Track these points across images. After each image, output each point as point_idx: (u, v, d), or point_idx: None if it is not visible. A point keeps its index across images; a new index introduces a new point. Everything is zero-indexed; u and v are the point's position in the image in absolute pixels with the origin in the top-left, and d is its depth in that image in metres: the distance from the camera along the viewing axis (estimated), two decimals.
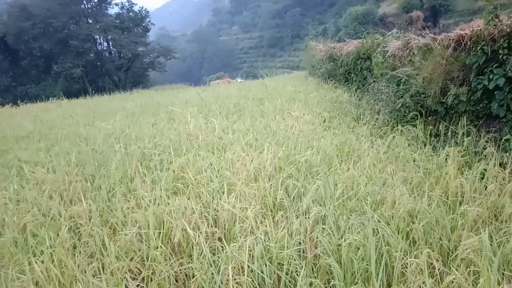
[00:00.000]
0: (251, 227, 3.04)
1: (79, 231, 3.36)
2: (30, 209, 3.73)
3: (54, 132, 8.12)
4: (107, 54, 41.55)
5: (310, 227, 2.95)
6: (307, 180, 3.97)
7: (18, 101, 20.82)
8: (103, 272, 2.73)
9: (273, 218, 3.26)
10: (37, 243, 3.13)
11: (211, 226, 3.22)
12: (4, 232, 3.38)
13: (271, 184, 3.80)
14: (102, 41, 40.99)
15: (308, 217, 3.04)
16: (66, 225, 3.27)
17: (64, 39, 35.57)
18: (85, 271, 2.70)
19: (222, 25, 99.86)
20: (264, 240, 2.85)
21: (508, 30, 4.52)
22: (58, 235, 3.15)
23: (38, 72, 37.00)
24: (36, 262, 2.74)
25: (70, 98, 21.24)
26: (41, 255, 2.90)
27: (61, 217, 3.50)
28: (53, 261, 2.82)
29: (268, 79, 18.74)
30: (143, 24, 42.53)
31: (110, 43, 40.84)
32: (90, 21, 39.46)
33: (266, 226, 3.03)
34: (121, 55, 40.05)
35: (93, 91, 26.32)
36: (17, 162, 5.70)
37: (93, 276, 2.69)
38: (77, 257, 2.90)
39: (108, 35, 38.61)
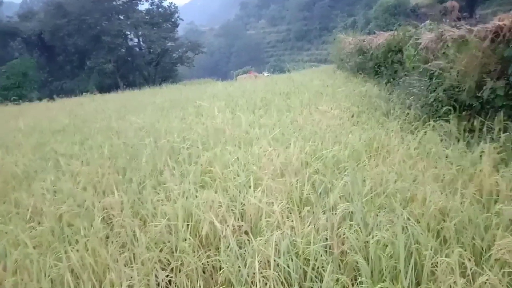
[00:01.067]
0: (278, 222, 3.05)
1: (111, 222, 3.49)
2: (66, 200, 3.91)
3: (87, 126, 8.44)
4: (138, 50, 42.54)
5: (337, 223, 2.93)
6: (334, 176, 3.93)
7: (54, 96, 21.76)
8: (134, 262, 2.83)
9: (299, 213, 3.25)
10: (72, 233, 3.27)
11: (238, 220, 3.26)
12: (42, 221, 3.56)
13: (298, 179, 3.79)
14: (133, 36, 41.98)
15: (335, 213, 3.01)
16: (99, 216, 3.41)
17: (96, 35, 36.73)
18: (117, 261, 2.80)
19: (249, 19, 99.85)
20: (291, 235, 2.85)
21: None
22: (92, 225, 3.28)
23: (73, 68, 38.45)
24: (71, 251, 2.88)
25: (102, 92, 21.98)
26: (76, 244, 3.03)
27: (94, 208, 3.64)
28: (87, 250, 2.95)
29: (295, 73, 18.61)
30: (172, 20, 43.20)
31: (141, 39, 41.78)
32: (122, 17, 40.52)
33: (292, 221, 3.04)
34: (151, 50, 40.89)
35: (124, 86, 27.10)
36: (54, 154, 5.97)
37: (125, 266, 2.79)
38: (110, 247, 3.01)
39: (138, 30, 39.55)
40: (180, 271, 2.74)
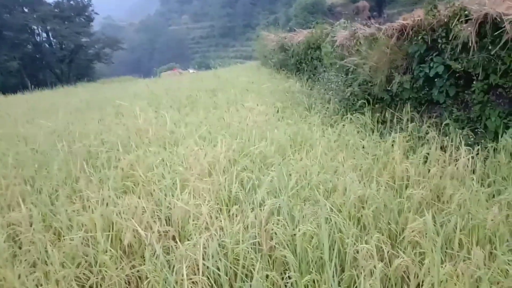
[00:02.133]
0: (206, 223, 2.98)
1: (19, 239, 3.11)
2: None
3: None
4: (47, 46, 38.84)
5: (265, 219, 2.94)
6: (262, 172, 3.96)
7: None
8: (47, 281, 2.55)
9: (228, 213, 3.22)
10: None
11: (164, 225, 3.12)
12: None
13: (226, 178, 3.75)
14: (40, 31, 38.20)
15: (263, 209, 3.03)
16: (3, 233, 3.01)
17: None
18: (27, 282, 2.50)
19: (171, 14, 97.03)
20: (220, 235, 2.80)
21: (445, 20, 4.77)
22: None
23: None
24: None
25: (6, 93, 19.63)
26: None
27: None
28: None
29: (221, 70, 18.55)
30: (86, 13, 40.23)
31: (50, 34, 38.21)
32: (26, 10, 36.58)
33: (221, 221, 2.99)
34: (63, 46, 37.68)
35: (33, 86, 24.53)
36: None
37: (36, 287, 2.50)
38: (18, 267, 2.68)
39: (47, 25, 36.12)
40: (101, 286, 2.54)
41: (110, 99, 10.35)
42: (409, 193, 3.29)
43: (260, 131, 5.35)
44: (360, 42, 6.43)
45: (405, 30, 5.38)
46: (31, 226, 3.18)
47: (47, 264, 2.72)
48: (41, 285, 2.52)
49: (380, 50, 5.71)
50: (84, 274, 2.63)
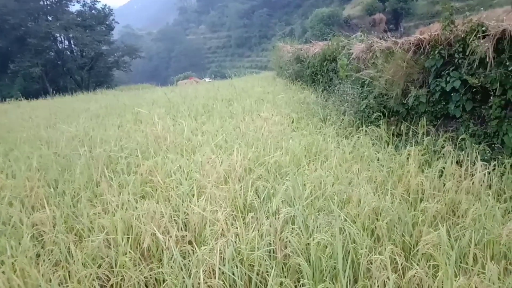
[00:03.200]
0: (222, 230, 3.05)
1: (42, 239, 3.24)
2: None
3: (12, 136, 7.72)
4: (69, 53, 39.92)
5: (280, 227, 3.01)
6: (277, 181, 4.03)
7: None
8: (70, 280, 2.66)
9: (243, 220, 3.29)
10: None
11: (181, 230, 3.20)
12: None
13: (241, 186, 3.82)
14: (63, 39, 39.32)
15: (278, 218, 3.09)
16: (28, 233, 3.15)
17: (21, 37, 33.86)
18: (50, 280, 2.61)
19: (189, 24, 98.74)
20: (235, 242, 2.87)
21: (462, 35, 4.80)
22: (20, 243, 3.02)
23: None
24: None
25: (29, 98, 20.23)
26: (2, 265, 2.77)
27: (22, 225, 3.35)
28: (15, 271, 2.71)
29: (236, 79, 18.75)
30: (107, 22, 41.25)
31: (72, 42, 39.29)
32: (50, 18, 37.77)
33: (236, 228, 3.06)
34: (84, 54, 38.61)
35: (54, 91, 25.22)
36: None
37: (59, 285, 2.61)
38: (41, 265, 2.80)
39: (69, 33, 37.14)
40: (120, 287, 2.63)
41: (129, 106, 10.60)
42: (423, 207, 3.31)
43: (275, 141, 5.44)
44: (376, 55, 6.49)
45: (422, 44, 5.43)
46: (54, 227, 3.31)
47: (69, 264, 2.83)
48: (65, 283, 2.63)
49: (397, 63, 5.76)
50: (105, 274, 2.73)
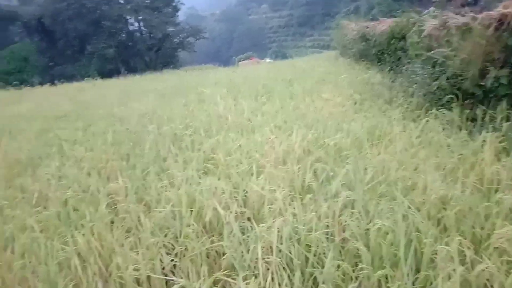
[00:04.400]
0: (280, 209, 3.09)
1: (116, 207, 3.54)
2: (71, 185, 3.96)
3: (90, 112, 8.45)
4: (139, 35, 42.10)
5: (338, 211, 2.97)
6: (336, 164, 3.96)
7: (55, 81, 21.69)
8: (140, 246, 2.89)
9: (301, 201, 3.29)
10: (78, 218, 3.32)
11: (241, 207, 3.30)
12: (48, 206, 3.62)
13: (300, 167, 3.82)
14: (133, 21, 41.51)
15: (337, 201, 3.05)
16: (104, 201, 3.46)
17: (97, 20, 36.36)
18: (123, 245, 2.86)
19: (251, 4, 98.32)
20: (293, 222, 2.90)
21: None
22: (97, 210, 3.33)
23: (73, 53, 38.14)
24: (77, 235, 2.93)
25: (103, 77, 21.86)
26: (82, 228, 3.09)
27: (99, 193, 3.69)
28: (93, 235, 3.00)
29: (297, 60, 18.49)
30: (173, 4, 42.59)
31: (141, 23, 41.30)
32: (121, 1, 39.95)
33: (294, 208, 3.08)
34: (152, 35, 40.50)
35: (125, 71, 26.93)
36: (57, 140, 6.00)
37: (130, 250, 2.85)
38: (115, 231, 3.07)
39: (139, 15, 39.06)
40: (184, 256, 2.80)
41: (193, 86, 10.99)
42: (499, 198, 3.04)
43: (336, 123, 5.31)
44: (451, 33, 5.96)
45: (506, 20, 4.87)
46: (126, 197, 3.60)
47: (139, 232, 3.08)
48: (135, 249, 2.87)
49: (474, 41, 5.24)
50: (170, 243, 2.92)
